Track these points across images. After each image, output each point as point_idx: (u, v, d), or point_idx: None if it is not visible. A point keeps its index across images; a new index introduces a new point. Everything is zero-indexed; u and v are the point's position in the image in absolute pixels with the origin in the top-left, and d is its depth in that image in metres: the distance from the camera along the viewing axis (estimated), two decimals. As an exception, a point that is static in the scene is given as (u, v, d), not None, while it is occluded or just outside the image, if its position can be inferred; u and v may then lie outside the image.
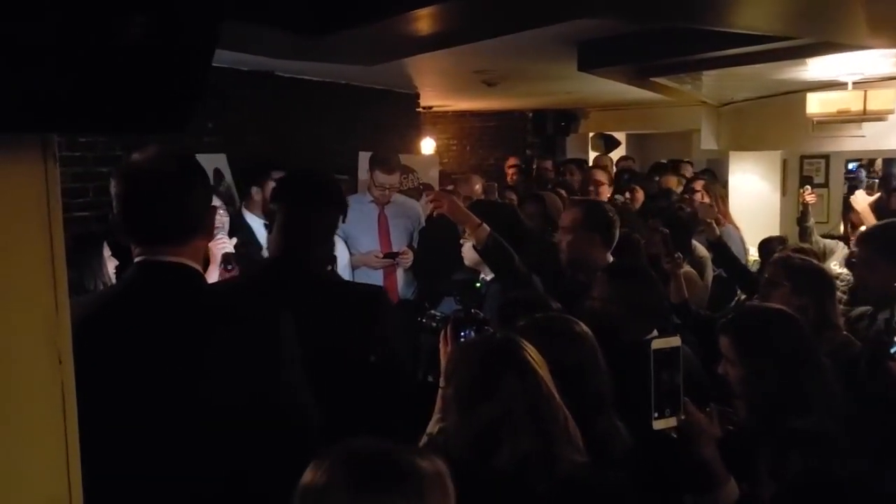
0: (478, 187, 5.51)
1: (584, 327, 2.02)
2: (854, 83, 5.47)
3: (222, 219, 3.65)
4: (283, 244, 2.33)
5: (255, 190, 4.36)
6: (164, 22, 1.01)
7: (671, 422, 1.67)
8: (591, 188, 6.00)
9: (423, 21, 3.53)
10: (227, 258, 3.01)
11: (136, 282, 1.76)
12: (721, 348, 2.19)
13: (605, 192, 6.10)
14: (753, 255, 5.67)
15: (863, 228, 5.15)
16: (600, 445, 1.75)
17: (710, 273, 4.43)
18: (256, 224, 4.18)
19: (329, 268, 2.97)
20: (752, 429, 2.03)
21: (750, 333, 2.17)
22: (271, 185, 4.10)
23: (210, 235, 1.87)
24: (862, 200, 5.32)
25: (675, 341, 1.69)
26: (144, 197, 1.73)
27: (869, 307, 3.15)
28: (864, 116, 5.21)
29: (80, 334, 1.66)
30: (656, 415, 1.65)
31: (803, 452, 1.88)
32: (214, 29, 1.09)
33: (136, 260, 1.76)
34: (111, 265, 3.11)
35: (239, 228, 3.95)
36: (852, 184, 7.89)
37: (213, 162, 4.73)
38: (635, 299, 2.67)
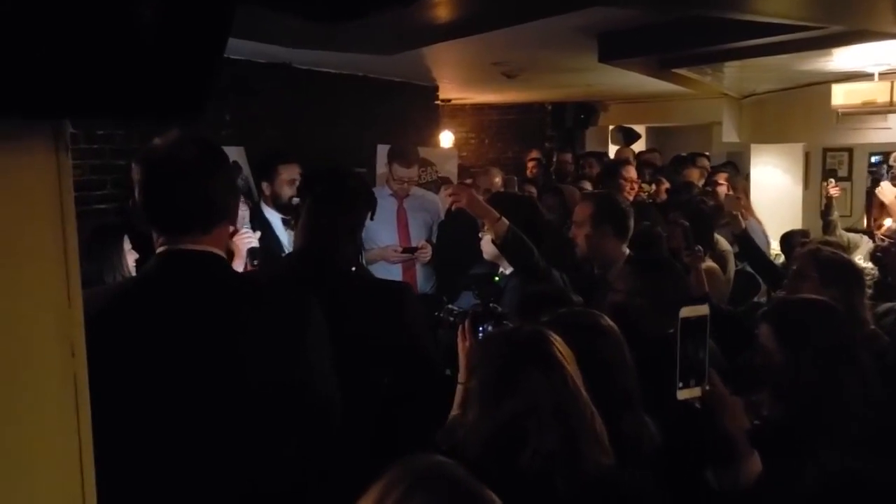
0: (497, 180, 5.47)
1: (610, 321, 1.99)
2: (881, 74, 5.37)
3: (242, 212, 3.63)
4: (309, 242, 2.33)
5: (265, 185, 4.35)
6: (177, 3, 0.98)
7: (695, 392, 1.64)
8: (622, 182, 5.89)
9: (440, 8, 3.50)
10: (252, 252, 2.99)
11: (158, 271, 1.74)
12: (760, 337, 2.16)
13: (634, 192, 5.99)
14: (775, 248, 5.60)
15: (889, 221, 5.08)
16: (628, 443, 1.72)
17: (732, 267, 4.38)
18: (274, 218, 4.16)
19: (357, 258, 2.96)
20: (786, 421, 2.00)
21: (793, 323, 2.15)
22: (281, 178, 4.10)
23: (233, 221, 1.86)
24: (889, 192, 5.23)
25: (703, 310, 1.66)
26: (166, 183, 1.71)
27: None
28: (891, 108, 5.11)
29: (100, 325, 1.66)
30: (681, 384, 1.62)
31: (840, 451, 1.84)
32: (229, 11, 1.06)
33: (159, 250, 1.74)
34: (131, 258, 3.10)
35: (258, 223, 3.93)
36: (875, 177, 7.76)
37: (230, 155, 4.71)
38: (660, 293, 2.63)
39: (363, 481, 1.24)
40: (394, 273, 4.38)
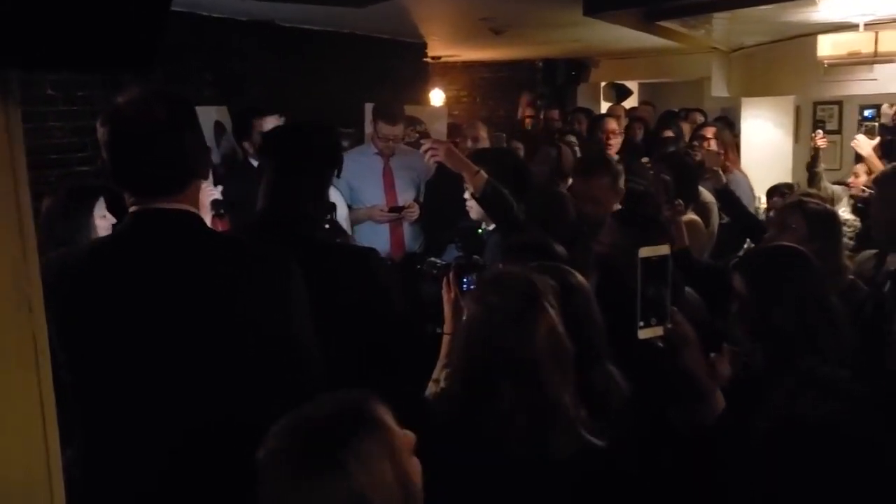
0: (483, 133, 5.44)
1: (580, 278, 2.01)
2: (866, 24, 5.34)
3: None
4: (271, 205, 2.25)
5: (246, 144, 4.32)
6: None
7: (657, 331, 1.67)
8: (602, 136, 5.92)
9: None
10: (216, 204, 2.97)
11: (131, 229, 1.71)
12: (735, 286, 2.18)
13: (617, 143, 6.03)
14: (765, 202, 5.63)
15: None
16: (598, 396, 1.75)
17: (715, 220, 4.39)
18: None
19: (329, 217, 2.93)
20: (760, 369, 2.02)
21: (764, 271, 2.16)
22: (256, 132, 4.06)
23: (205, 176, 1.81)
24: (865, 144, 5.23)
25: (663, 250, 1.68)
26: (134, 143, 1.66)
27: (875, 250, 3.13)
28: (876, 58, 5.09)
29: (71, 283, 1.67)
30: (642, 324, 1.64)
31: (810, 395, 1.87)
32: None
33: (132, 209, 1.71)
34: (105, 222, 3.01)
35: (246, 179, 3.89)
36: (867, 130, 7.77)
37: (213, 114, 4.70)
38: (645, 244, 2.66)
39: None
40: (381, 233, 4.37)
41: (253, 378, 1.68)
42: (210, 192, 2.98)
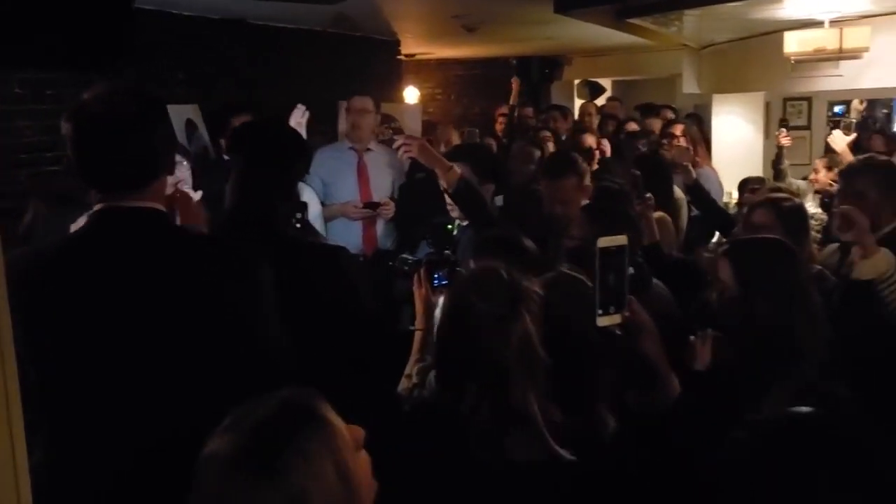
0: (454, 139, 5.47)
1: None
2: (831, 21, 5.44)
3: (186, 172, 3.59)
4: (240, 202, 2.24)
5: (222, 141, 4.30)
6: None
7: (615, 319, 1.70)
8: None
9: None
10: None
11: (95, 227, 1.69)
12: (719, 272, 2.19)
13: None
14: (736, 196, 5.72)
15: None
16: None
17: (685, 214, 4.45)
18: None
19: (299, 216, 2.93)
20: (737, 359, 2.03)
21: (751, 260, 2.18)
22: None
23: (171, 172, 1.80)
24: (840, 140, 5.32)
25: (621, 240, 1.71)
26: (100, 139, 1.65)
27: (839, 243, 3.19)
28: (841, 55, 5.19)
29: (37, 281, 1.66)
30: (601, 311, 1.67)
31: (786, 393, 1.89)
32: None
33: (95, 207, 1.70)
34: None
35: (220, 176, 3.88)
36: (835, 126, 7.89)
37: (184, 113, 4.68)
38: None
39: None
40: (353, 230, 4.37)
41: (221, 376, 1.67)
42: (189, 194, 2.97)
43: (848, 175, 3.14)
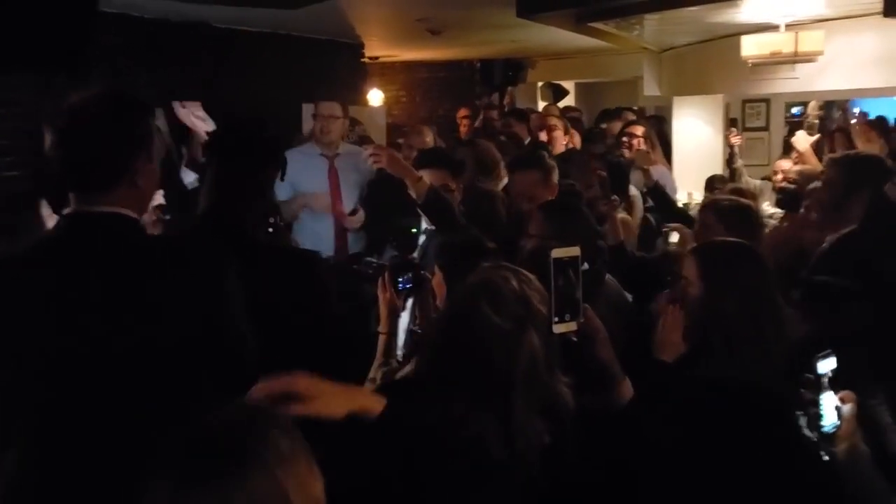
0: (429, 139, 5.44)
1: None
2: (786, 25, 5.56)
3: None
4: (215, 204, 2.24)
5: (183, 149, 4.27)
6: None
7: (571, 326, 1.74)
8: (545, 133, 6.00)
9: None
10: (161, 208, 2.96)
11: (64, 234, 1.71)
12: (684, 270, 2.23)
13: (561, 139, 6.12)
14: (697, 195, 5.85)
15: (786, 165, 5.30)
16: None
17: (639, 212, 4.54)
18: (191, 179, 4.09)
19: (272, 220, 2.91)
20: (694, 358, 2.06)
21: (717, 260, 2.21)
22: (196, 138, 4.02)
23: (143, 182, 1.81)
24: (804, 141, 5.40)
25: (574, 251, 1.75)
26: (77, 139, 1.68)
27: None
28: (796, 58, 5.31)
29: (4, 286, 1.66)
30: (556, 319, 1.70)
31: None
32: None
33: (66, 211, 1.72)
34: (51, 223, 3.02)
35: (177, 185, 3.87)
36: (794, 127, 8.06)
37: (148, 116, 4.64)
38: (570, 233, 2.73)
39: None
40: (324, 233, 4.34)
41: (188, 379, 1.70)
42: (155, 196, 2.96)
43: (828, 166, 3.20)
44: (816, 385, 1.70)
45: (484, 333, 1.64)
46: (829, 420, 1.71)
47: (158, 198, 3.00)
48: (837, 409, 1.73)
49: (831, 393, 1.72)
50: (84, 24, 0.89)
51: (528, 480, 1.60)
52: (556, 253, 1.71)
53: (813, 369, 1.71)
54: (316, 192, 4.31)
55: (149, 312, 1.68)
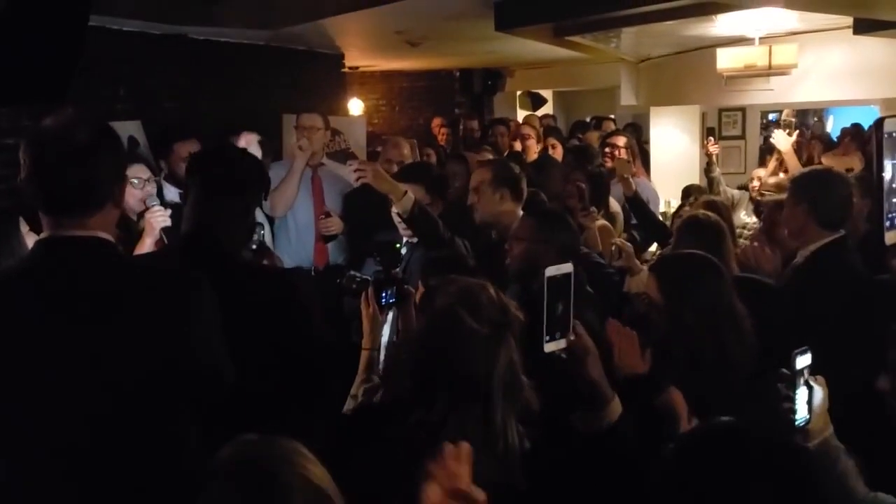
0: (406, 151, 5.45)
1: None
2: (760, 39, 5.66)
3: (151, 188, 3.56)
4: (197, 225, 2.23)
5: (162, 163, 4.26)
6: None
7: (561, 344, 1.75)
8: (518, 142, 6.07)
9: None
10: (166, 231, 2.94)
11: (40, 259, 1.71)
12: (646, 288, 2.26)
13: (534, 147, 6.20)
14: (674, 205, 5.91)
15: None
16: None
17: (620, 227, 4.58)
18: (173, 196, 4.09)
19: (255, 237, 2.90)
20: (661, 373, 2.06)
21: (676, 275, 2.25)
22: (177, 154, 4.01)
23: (119, 204, 1.80)
24: (784, 141, 5.30)
25: (567, 268, 1.76)
26: (51, 164, 1.68)
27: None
28: (770, 71, 5.39)
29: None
30: (548, 338, 1.72)
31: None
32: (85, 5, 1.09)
33: (41, 236, 1.71)
34: (31, 240, 2.97)
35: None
36: (768, 134, 8.17)
37: (126, 130, 4.62)
38: (557, 240, 2.78)
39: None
40: (306, 246, 4.36)
41: (163, 404, 1.70)
42: (160, 217, 2.95)
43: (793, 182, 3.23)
44: (793, 380, 1.71)
45: (463, 338, 1.66)
46: (801, 414, 1.72)
47: (166, 218, 2.97)
48: (809, 404, 1.74)
49: (805, 388, 1.73)
50: (73, 60, 0.90)
51: (509, 484, 1.61)
52: (551, 271, 1.72)
53: (791, 365, 1.72)
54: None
55: (124, 338, 1.67)
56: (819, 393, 1.76)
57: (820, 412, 1.76)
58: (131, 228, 3.32)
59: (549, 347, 1.74)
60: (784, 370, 1.73)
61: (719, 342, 2.09)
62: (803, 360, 1.75)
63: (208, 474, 1.16)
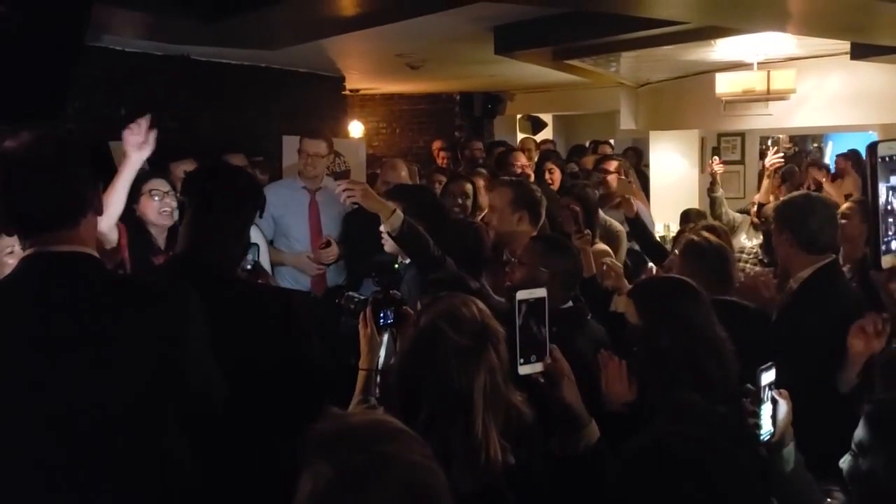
0: (404, 173, 5.48)
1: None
2: (759, 64, 5.69)
3: (171, 202, 3.56)
4: (191, 244, 2.23)
5: None
6: (29, 11, 1.02)
7: (537, 367, 1.77)
8: (515, 169, 6.06)
9: (324, 4, 3.50)
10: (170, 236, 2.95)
11: (23, 276, 1.70)
12: (626, 314, 2.27)
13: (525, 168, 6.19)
14: (674, 228, 5.91)
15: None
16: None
17: (624, 247, 4.57)
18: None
19: (251, 257, 2.89)
20: (643, 398, 2.08)
21: (653, 301, 2.22)
22: (173, 175, 4.01)
23: (98, 212, 1.81)
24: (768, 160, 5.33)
25: (540, 293, 1.78)
26: (22, 182, 1.69)
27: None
28: (769, 96, 5.42)
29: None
30: (522, 361, 1.74)
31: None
32: (82, 18, 1.10)
33: (25, 253, 1.71)
34: (11, 259, 2.93)
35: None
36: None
37: (128, 150, 4.64)
38: (560, 268, 2.77)
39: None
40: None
41: (149, 418, 1.69)
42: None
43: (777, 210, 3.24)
44: (758, 396, 1.75)
45: (444, 350, 1.68)
46: (766, 428, 1.77)
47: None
48: (773, 418, 1.78)
49: (769, 404, 1.78)
50: (66, 79, 0.90)
51: (490, 497, 1.62)
52: (521, 295, 1.74)
53: (756, 381, 1.76)
54: (304, 253, 4.31)
55: (111, 357, 1.67)
56: (783, 407, 1.82)
57: (784, 426, 1.81)
58: (149, 238, 3.40)
59: (524, 370, 1.76)
60: (749, 385, 1.76)
61: (697, 365, 2.09)
62: (768, 377, 1.80)
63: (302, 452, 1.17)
